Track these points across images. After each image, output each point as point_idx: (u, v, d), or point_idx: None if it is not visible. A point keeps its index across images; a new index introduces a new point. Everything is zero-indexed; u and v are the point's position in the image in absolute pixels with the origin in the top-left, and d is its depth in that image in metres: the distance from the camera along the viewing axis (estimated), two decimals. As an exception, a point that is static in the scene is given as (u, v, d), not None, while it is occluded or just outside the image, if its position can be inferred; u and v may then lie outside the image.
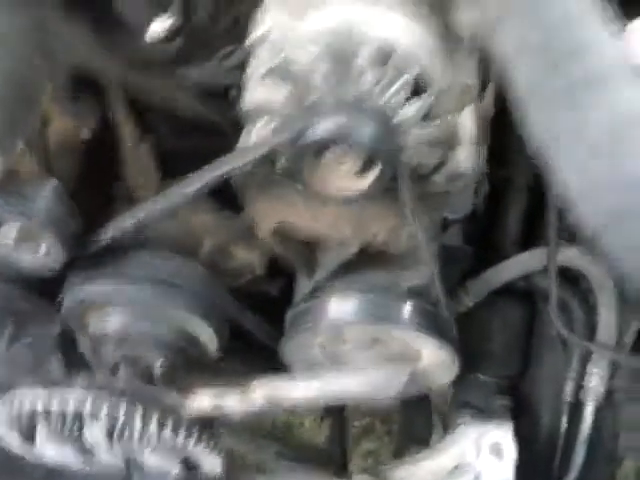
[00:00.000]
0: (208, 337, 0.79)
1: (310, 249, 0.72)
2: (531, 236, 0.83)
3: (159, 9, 0.53)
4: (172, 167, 0.73)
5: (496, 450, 0.70)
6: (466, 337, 0.87)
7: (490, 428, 0.72)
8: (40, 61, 0.52)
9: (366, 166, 0.52)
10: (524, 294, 0.86)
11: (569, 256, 0.78)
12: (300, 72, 0.48)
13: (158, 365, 0.73)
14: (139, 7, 0.55)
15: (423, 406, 1.11)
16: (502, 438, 0.71)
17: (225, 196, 0.66)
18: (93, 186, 0.74)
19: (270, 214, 0.64)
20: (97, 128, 0.72)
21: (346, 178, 0.53)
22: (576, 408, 0.84)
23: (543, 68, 0.40)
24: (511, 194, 0.85)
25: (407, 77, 0.48)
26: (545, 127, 0.40)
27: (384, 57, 0.48)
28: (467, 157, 0.55)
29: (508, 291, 0.83)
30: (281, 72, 0.49)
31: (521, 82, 0.41)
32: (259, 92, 0.51)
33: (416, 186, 0.56)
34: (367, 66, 0.48)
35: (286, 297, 0.80)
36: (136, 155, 0.73)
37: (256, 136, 0.54)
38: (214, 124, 0.65)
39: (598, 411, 0.82)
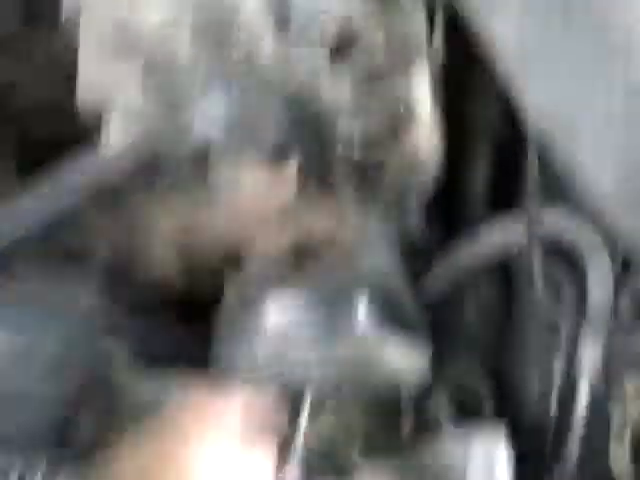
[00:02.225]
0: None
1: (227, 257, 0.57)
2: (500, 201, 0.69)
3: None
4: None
5: (487, 467, 0.57)
6: (436, 326, 0.75)
7: (476, 439, 0.59)
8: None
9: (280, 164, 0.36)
10: (500, 267, 0.73)
11: (552, 222, 0.65)
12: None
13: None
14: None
15: (389, 404, 1.00)
16: (493, 451, 0.58)
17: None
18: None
19: (164, 218, 0.48)
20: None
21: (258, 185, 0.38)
22: (567, 392, 0.72)
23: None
24: (473, 149, 0.70)
25: (317, 34, 0.32)
26: None
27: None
28: (425, 142, 0.39)
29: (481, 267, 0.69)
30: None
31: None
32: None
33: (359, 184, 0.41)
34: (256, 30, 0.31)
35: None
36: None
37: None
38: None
39: (592, 394, 0.71)
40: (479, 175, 0.71)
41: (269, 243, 0.54)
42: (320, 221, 0.49)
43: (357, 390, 0.69)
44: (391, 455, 0.77)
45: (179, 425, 0.44)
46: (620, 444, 0.73)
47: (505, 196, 0.70)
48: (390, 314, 0.60)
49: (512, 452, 0.61)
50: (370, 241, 0.52)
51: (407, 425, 0.96)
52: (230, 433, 0.45)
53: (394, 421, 1.00)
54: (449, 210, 0.71)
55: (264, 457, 0.45)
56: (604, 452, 0.74)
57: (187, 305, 0.69)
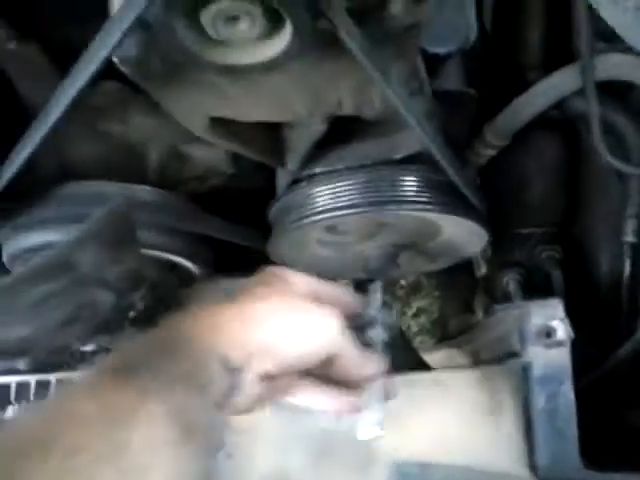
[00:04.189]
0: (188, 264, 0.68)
1: (269, 134, 0.57)
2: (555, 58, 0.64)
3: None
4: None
5: (545, 334, 0.55)
6: (497, 187, 0.72)
7: (533, 308, 0.56)
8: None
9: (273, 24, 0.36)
10: (561, 125, 0.68)
11: (611, 65, 0.59)
12: None
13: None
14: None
15: (465, 267, 0.98)
16: (551, 318, 0.56)
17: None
18: None
19: (193, 110, 0.49)
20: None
21: (252, 46, 0.37)
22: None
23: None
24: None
25: None
26: None
27: None
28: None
29: (541, 124, 0.65)
30: None
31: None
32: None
33: (367, 28, 0.39)
34: None
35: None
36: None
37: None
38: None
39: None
40: (533, 35, 0.66)
41: (302, 122, 0.53)
42: (343, 87, 0.47)
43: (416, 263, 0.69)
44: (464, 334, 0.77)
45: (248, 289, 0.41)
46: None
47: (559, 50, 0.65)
48: (437, 189, 0.58)
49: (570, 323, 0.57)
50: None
51: (479, 305, 0.95)
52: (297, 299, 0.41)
53: (467, 302, 1.00)
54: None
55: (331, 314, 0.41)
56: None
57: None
